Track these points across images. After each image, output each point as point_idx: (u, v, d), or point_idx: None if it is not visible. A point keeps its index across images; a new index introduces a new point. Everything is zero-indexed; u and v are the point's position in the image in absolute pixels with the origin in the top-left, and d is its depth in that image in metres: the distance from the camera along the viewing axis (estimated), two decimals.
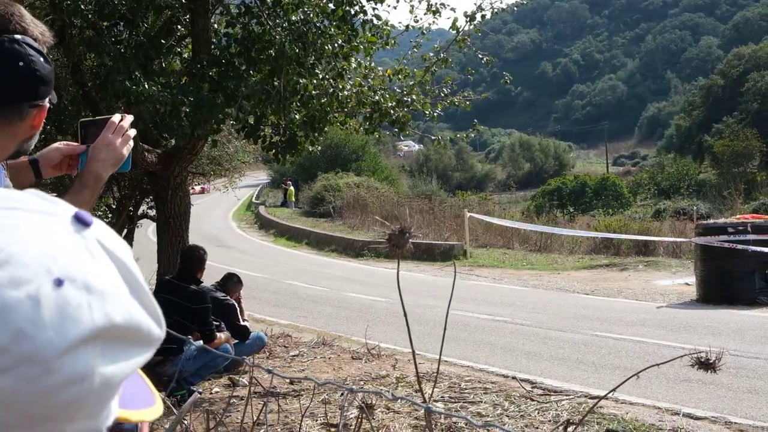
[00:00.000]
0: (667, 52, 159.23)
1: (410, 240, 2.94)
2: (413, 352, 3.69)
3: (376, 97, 9.17)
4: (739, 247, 11.98)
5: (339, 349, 9.49)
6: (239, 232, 33.84)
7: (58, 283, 0.69)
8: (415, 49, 10.26)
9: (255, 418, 4.87)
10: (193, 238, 10.22)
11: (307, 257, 23.92)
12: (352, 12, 8.58)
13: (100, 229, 0.76)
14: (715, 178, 52.60)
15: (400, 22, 9.85)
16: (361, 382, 7.67)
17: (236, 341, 8.35)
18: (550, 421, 6.12)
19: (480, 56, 10.24)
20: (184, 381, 7.31)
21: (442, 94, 9.87)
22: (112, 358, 0.72)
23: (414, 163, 70.02)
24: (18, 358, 0.66)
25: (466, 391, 7.24)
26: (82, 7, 7.48)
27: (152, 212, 13.20)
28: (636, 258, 18.78)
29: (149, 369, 0.80)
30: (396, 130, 9.78)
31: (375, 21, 8.99)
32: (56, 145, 2.36)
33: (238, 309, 8.69)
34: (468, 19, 9.73)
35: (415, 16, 9.72)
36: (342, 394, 6.62)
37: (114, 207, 13.52)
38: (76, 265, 0.71)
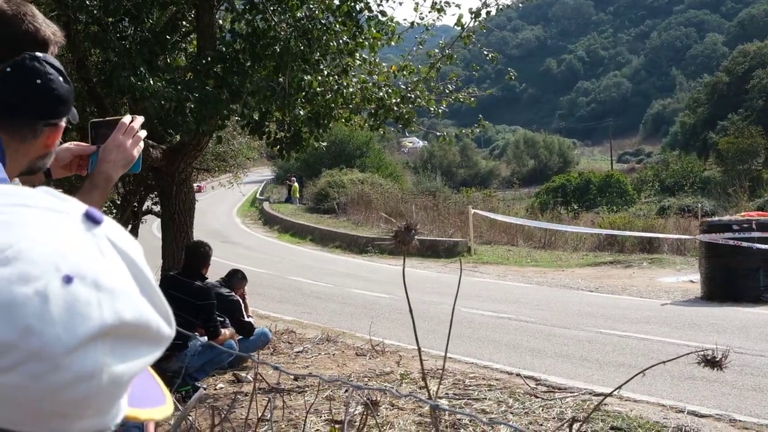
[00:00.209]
0: (672, 49, 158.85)
1: (416, 237, 2.93)
2: (419, 349, 3.69)
3: (381, 94, 9.17)
4: (744, 244, 11.96)
5: (343, 345, 9.49)
6: (243, 228, 33.87)
7: (67, 280, 0.68)
8: (420, 46, 10.24)
9: (260, 415, 4.87)
10: (198, 234, 10.23)
11: (311, 253, 23.94)
12: (357, 8, 8.57)
13: (110, 227, 0.76)
14: (719, 175, 52.48)
15: (405, 19, 9.84)
16: (365, 379, 7.67)
17: (240, 337, 8.35)
18: (554, 418, 6.11)
19: (485, 53, 10.21)
20: (189, 377, 7.30)
21: (447, 91, 9.86)
22: (122, 356, 0.72)
23: (418, 160, 69.95)
24: (26, 355, 0.66)
25: (470, 388, 7.23)
26: (87, 2, 7.48)
27: (157, 208, 13.20)
28: (640, 255, 18.76)
29: (154, 365, 0.80)
30: (401, 126, 9.78)
31: (380, 17, 8.98)
32: (67, 145, 2.36)
33: (243, 305, 8.69)
34: (473, 15, 9.72)
35: (420, 13, 9.72)
36: (346, 391, 6.62)
37: (118, 203, 13.52)
38: (85, 262, 0.71)
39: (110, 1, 7.47)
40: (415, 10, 9.69)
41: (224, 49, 8.18)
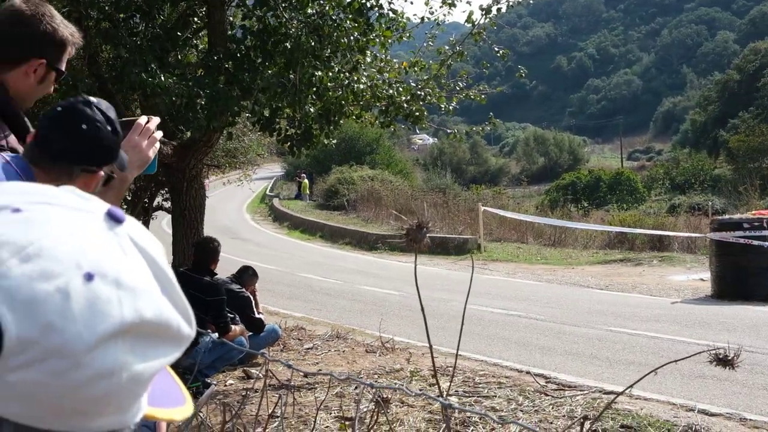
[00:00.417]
0: (682, 46, 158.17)
1: (427, 235, 2.93)
2: (430, 347, 3.69)
3: (391, 91, 9.16)
4: (755, 242, 11.93)
5: (353, 342, 9.49)
6: (253, 224, 33.91)
7: (89, 277, 0.69)
8: (431, 42, 10.22)
9: (270, 411, 4.88)
10: (208, 230, 10.25)
11: (321, 250, 23.96)
12: (368, 5, 8.57)
13: (132, 226, 0.76)
14: (730, 173, 52.22)
15: (414, 14, 9.83)
16: (375, 376, 7.67)
17: (250, 334, 8.36)
18: (564, 416, 6.11)
19: (495, 50, 10.19)
20: (199, 373, 7.32)
21: (457, 88, 9.85)
22: (142, 355, 0.72)
23: (428, 157, 69.80)
24: (47, 351, 0.67)
25: (480, 385, 7.23)
26: None
27: (167, 204, 13.25)
28: (650, 253, 18.72)
29: None
30: (411, 123, 9.77)
31: (391, 14, 8.98)
32: None
33: (253, 302, 8.70)
34: (483, 12, 9.71)
35: (431, 8, 9.70)
36: (356, 388, 6.63)
37: (129, 199, 13.56)
38: (107, 260, 0.71)
39: None
40: (426, 4, 9.68)
41: (235, 45, 8.19)
